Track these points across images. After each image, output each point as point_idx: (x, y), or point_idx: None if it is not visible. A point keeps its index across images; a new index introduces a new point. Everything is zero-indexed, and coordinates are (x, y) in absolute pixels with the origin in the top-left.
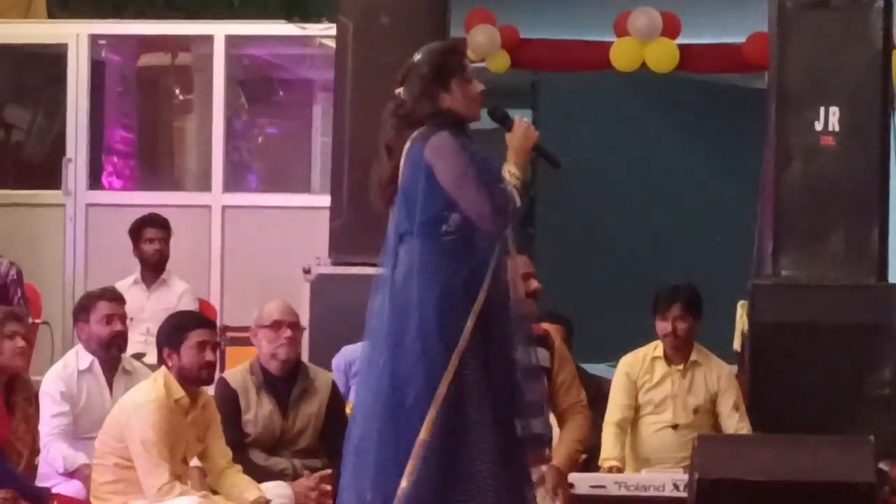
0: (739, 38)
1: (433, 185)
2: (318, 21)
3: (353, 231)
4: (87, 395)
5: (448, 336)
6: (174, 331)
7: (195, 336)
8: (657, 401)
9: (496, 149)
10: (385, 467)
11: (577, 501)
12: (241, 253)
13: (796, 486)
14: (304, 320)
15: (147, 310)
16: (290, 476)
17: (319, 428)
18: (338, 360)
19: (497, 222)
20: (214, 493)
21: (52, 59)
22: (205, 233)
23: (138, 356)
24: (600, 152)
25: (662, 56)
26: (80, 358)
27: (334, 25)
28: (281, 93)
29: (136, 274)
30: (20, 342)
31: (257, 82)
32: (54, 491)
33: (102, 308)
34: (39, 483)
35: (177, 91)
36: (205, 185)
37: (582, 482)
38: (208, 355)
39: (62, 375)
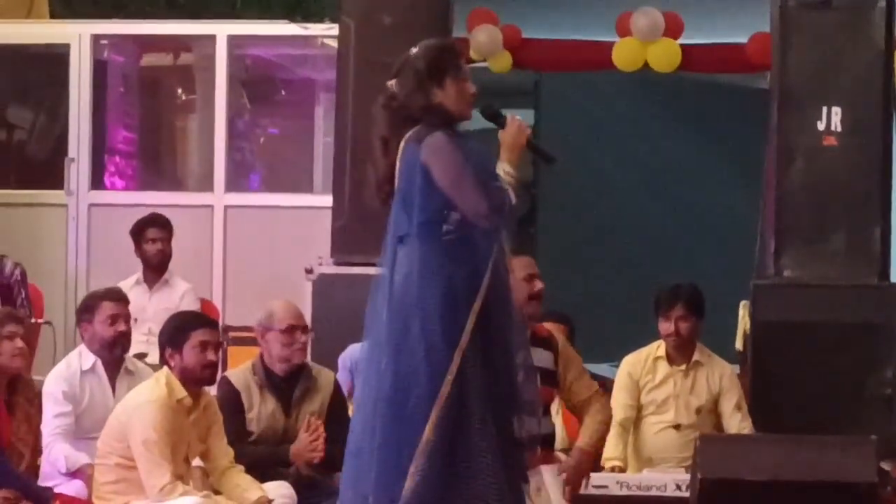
0: (741, 38)
1: (430, 185)
2: (320, 21)
3: (355, 231)
4: (89, 395)
5: (451, 335)
6: (176, 331)
7: (197, 336)
8: (659, 401)
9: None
10: (388, 469)
11: (580, 501)
12: (244, 253)
13: (798, 486)
14: (307, 320)
15: (149, 310)
16: (293, 476)
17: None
18: (344, 358)
19: (493, 220)
20: (216, 493)
21: (54, 59)
22: (207, 233)
23: (140, 356)
24: (602, 152)
25: (664, 56)
26: (82, 358)
27: (336, 25)
28: (283, 93)
29: (138, 274)
30: (19, 343)
31: (259, 82)
32: (56, 491)
33: (106, 308)
34: (42, 483)
35: (179, 91)
36: (207, 185)
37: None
38: (210, 355)
39: (65, 375)
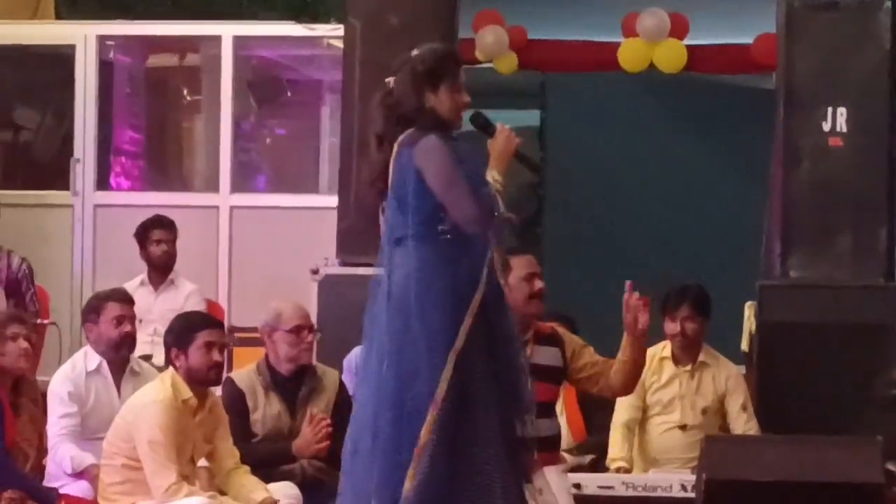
0: (747, 39)
1: (424, 187)
2: (326, 22)
3: (360, 231)
4: (95, 395)
5: (451, 335)
6: (182, 331)
7: (203, 337)
8: (665, 401)
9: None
10: (389, 470)
11: (586, 502)
12: (249, 253)
13: (804, 486)
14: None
15: (154, 311)
16: (298, 476)
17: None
18: (349, 360)
19: (483, 225)
20: (222, 493)
21: (60, 60)
22: (213, 233)
23: (146, 358)
24: (608, 152)
25: (670, 57)
26: (88, 359)
27: (342, 26)
28: (289, 93)
29: (143, 275)
30: (23, 343)
31: (265, 83)
32: (62, 491)
33: (112, 309)
34: (47, 483)
35: (185, 92)
36: (213, 186)
37: (590, 483)
38: (216, 356)
39: (70, 376)
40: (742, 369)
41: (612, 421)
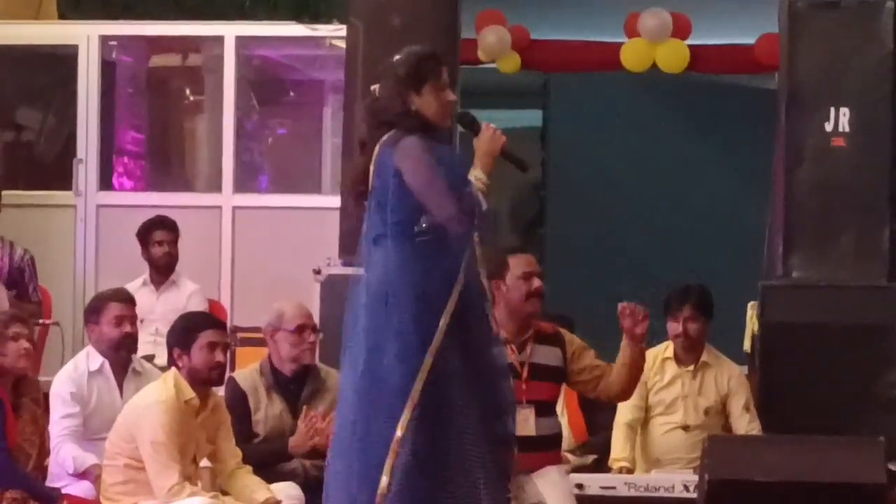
0: (750, 39)
1: (403, 188)
2: (328, 22)
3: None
4: (97, 396)
5: (425, 335)
6: (185, 331)
7: (205, 337)
8: (668, 401)
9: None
10: (371, 466)
11: (588, 502)
12: (252, 254)
13: (806, 487)
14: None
15: (156, 311)
16: (301, 477)
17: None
18: None
19: (463, 224)
20: (225, 493)
21: (62, 60)
22: (215, 234)
23: (148, 358)
24: (610, 152)
25: (673, 57)
26: (90, 359)
27: (345, 26)
28: (291, 94)
29: (145, 275)
30: (24, 344)
31: (268, 83)
32: (64, 492)
33: (113, 309)
34: (50, 484)
35: (187, 92)
36: (215, 186)
37: (592, 483)
38: (218, 356)
39: (73, 376)
40: (744, 369)
41: (615, 421)
